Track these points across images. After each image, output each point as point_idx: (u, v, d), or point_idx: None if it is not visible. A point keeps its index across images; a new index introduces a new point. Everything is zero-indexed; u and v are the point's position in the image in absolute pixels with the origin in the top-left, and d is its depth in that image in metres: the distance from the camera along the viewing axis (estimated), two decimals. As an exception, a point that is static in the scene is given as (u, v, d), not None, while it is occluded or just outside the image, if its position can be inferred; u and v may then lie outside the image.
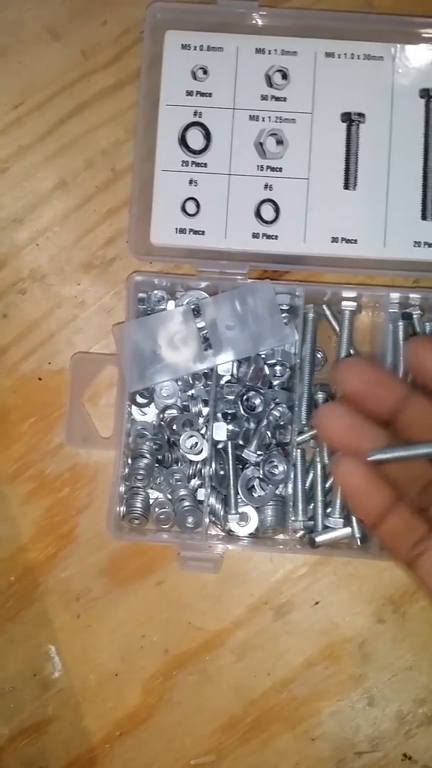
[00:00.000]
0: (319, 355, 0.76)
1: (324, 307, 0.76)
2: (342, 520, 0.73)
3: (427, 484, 0.54)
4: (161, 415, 0.75)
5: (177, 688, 0.76)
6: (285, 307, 0.74)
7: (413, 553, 0.52)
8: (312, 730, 0.75)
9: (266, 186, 0.74)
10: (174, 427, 0.74)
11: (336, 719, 0.75)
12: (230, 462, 0.73)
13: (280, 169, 0.74)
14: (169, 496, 0.75)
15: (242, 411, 0.73)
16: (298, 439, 0.74)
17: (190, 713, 0.76)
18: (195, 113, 0.74)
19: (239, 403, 0.73)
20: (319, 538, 0.72)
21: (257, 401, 0.73)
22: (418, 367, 0.53)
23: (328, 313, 0.76)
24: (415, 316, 0.74)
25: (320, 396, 0.75)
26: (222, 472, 0.74)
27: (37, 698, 0.76)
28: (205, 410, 0.75)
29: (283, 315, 0.74)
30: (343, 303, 0.75)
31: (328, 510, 0.74)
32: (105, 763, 0.76)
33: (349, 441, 0.52)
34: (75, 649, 0.77)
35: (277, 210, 0.73)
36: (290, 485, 0.72)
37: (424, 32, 0.74)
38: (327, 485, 0.74)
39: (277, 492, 0.73)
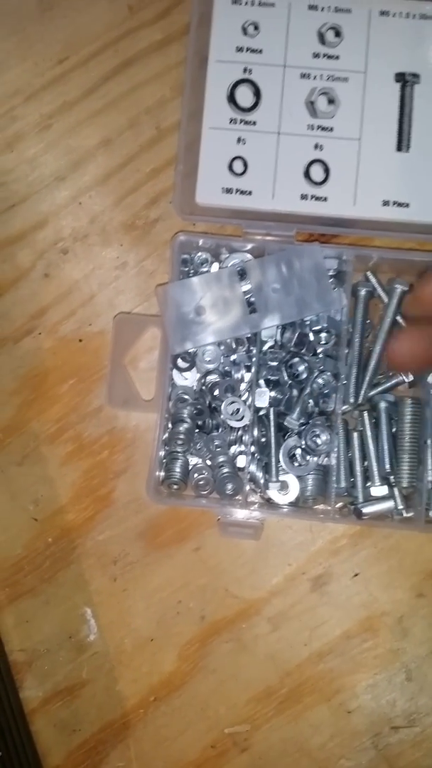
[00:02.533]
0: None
1: (370, 275, 0.73)
2: (386, 489, 0.70)
3: None
4: (202, 380, 0.73)
5: (212, 655, 0.74)
6: (332, 272, 0.71)
7: None
8: (348, 703, 0.73)
9: (316, 146, 0.70)
10: (215, 392, 0.72)
11: (373, 693, 0.72)
12: (272, 429, 0.70)
13: (331, 129, 0.70)
14: (209, 462, 0.73)
15: (286, 378, 0.70)
16: (342, 408, 0.71)
17: (225, 681, 0.74)
18: (245, 70, 0.71)
19: (283, 369, 0.70)
20: (365, 509, 0.69)
21: (301, 368, 0.70)
22: None
23: (373, 280, 0.73)
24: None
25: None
26: (263, 440, 0.71)
27: (72, 661, 0.75)
28: (247, 376, 0.72)
29: (330, 280, 0.70)
30: (396, 284, 0.72)
31: (368, 483, 0.71)
32: (138, 728, 0.74)
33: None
34: (111, 612, 0.75)
35: (326, 171, 0.70)
36: (333, 455, 0.69)
37: None
38: (370, 455, 0.71)
39: (320, 461, 0.70)
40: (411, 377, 0.71)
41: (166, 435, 0.72)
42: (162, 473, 0.72)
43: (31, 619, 0.75)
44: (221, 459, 0.72)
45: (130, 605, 0.74)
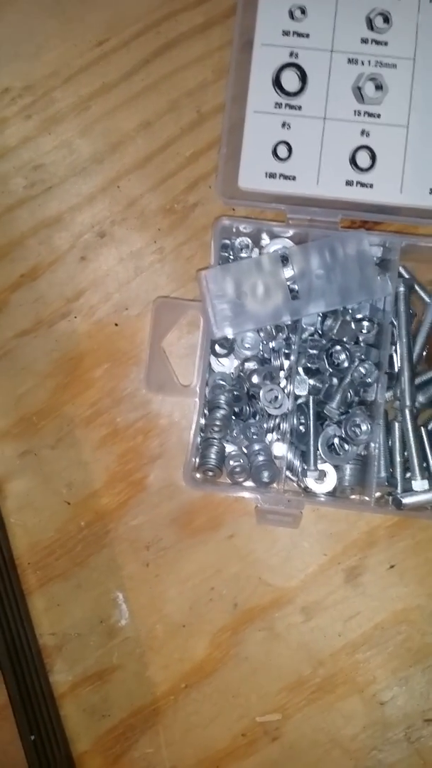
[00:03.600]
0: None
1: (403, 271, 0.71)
2: (427, 482, 0.68)
3: None
4: (241, 367, 0.71)
5: (244, 643, 0.72)
6: (377, 260, 0.69)
7: None
8: (381, 695, 0.71)
9: (363, 132, 0.68)
10: (254, 379, 0.70)
11: (407, 685, 0.71)
12: (311, 418, 0.69)
13: (379, 116, 0.68)
14: (245, 450, 0.71)
15: (326, 366, 0.68)
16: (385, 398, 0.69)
17: (257, 670, 0.72)
18: (291, 54, 0.69)
19: (324, 358, 0.68)
20: (406, 500, 0.67)
21: (342, 357, 0.68)
22: None
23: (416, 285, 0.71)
24: None
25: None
26: (301, 428, 0.70)
27: (103, 646, 0.73)
28: (287, 364, 0.70)
29: (375, 267, 0.68)
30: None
31: (407, 474, 0.69)
32: (168, 714, 0.72)
33: None
34: (143, 598, 0.73)
35: (373, 157, 0.68)
36: (373, 445, 0.68)
37: None
38: (410, 446, 0.69)
39: (360, 451, 0.68)
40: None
41: (203, 421, 0.70)
42: (198, 459, 0.70)
43: (63, 603, 0.73)
44: (257, 447, 0.70)
45: (162, 591, 0.73)
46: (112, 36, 0.76)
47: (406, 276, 0.71)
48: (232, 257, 0.71)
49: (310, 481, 0.69)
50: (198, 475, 0.70)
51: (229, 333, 0.68)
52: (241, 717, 0.72)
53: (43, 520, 0.73)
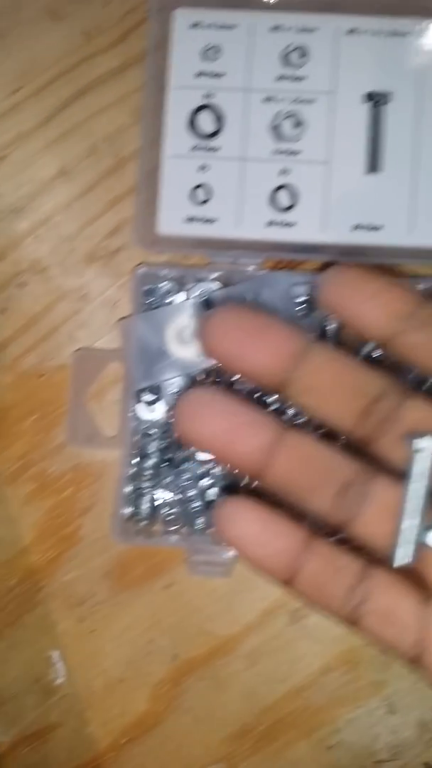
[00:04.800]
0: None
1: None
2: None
3: (342, 487, 0.43)
4: (170, 413, 0.65)
5: (186, 694, 0.66)
6: (302, 299, 0.64)
7: (351, 605, 0.42)
8: (328, 738, 0.65)
9: (282, 171, 0.63)
10: (184, 425, 0.64)
11: (354, 727, 0.65)
12: (243, 462, 0.63)
13: (298, 153, 0.63)
14: (178, 497, 0.65)
15: (257, 409, 0.63)
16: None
17: (199, 720, 0.66)
18: (206, 95, 0.63)
19: (251, 400, 0.63)
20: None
21: (270, 399, 0.63)
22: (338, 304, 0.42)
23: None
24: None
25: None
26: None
27: (40, 705, 0.66)
28: (217, 407, 0.64)
29: (300, 307, 0.63)
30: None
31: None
32: (111, 772, 0.65)
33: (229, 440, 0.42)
34: (79, 654, 0.66)
35: (294, 196, 0.62)
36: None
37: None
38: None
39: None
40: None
41: (133, 470, 0.64)
42: (129, 510, 0.64)
43: (-3, 665, 0.66)
44: (191, 493, 0.64)
45: (99, 646, 0.66)
46: (25, 84, 0.70)
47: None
48: (157, 303, 0.65)
49: (246, 526, 0.63)
50: (130, 527, 0.64)
51: (152, 382, 0.62)
52: (186, 770, 0.66)
53: (-28, 580, 0.67)
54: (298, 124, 0.62)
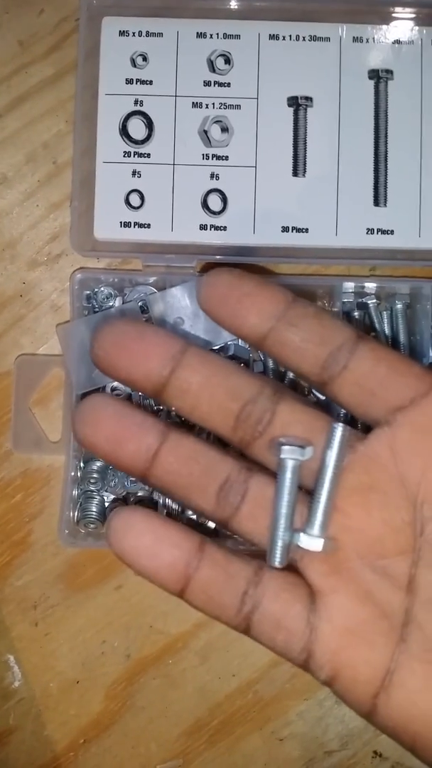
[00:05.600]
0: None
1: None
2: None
3: (222, 485, 0.45)
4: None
5: (140, 692, 0.68)
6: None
7: (243, 614, 0.44)
8: (280, 731, 0.67)
9: (212, 175, 0.64)
10: (127, 427, 0.66)
11: (304, 719, 0.67)
12: (185, 462, 0.65)
13: (226, 158, 0.64)
14: (126, 498, 0.67)
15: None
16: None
17: (154, 718, 0.68)
18: (136, 102, 0.65)
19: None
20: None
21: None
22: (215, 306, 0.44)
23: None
24: (371, 305, 0.66)
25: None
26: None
27: (-2, 709, 0.68)
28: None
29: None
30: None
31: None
32: (69, 772, 0.67)
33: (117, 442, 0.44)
34: (34, 657, 0.68)
35: (224, 200, 0.64)
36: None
37: (371, 11, 0.65)
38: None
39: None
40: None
41: (79, 474, 0.66)
42: (77, 513, 0.66)
43: None
44: (139, 494, 0.66)
45: (54, 649, 0.68)
46: (-38, 93, 0.72)
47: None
48: (97, 307, 0.67)
49: (190, 522, 0.65)
50: (80, 530, 0.66)
51: (93, 386, 0.64)
52: (143, 766, 0.67)
53: None
54: (225, 129, 0.64)
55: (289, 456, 0.43)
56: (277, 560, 0.44)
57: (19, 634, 0.68)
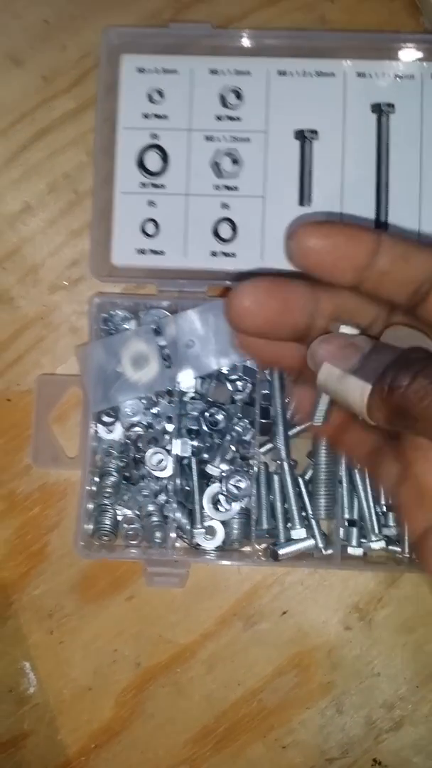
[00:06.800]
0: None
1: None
2: (304, 530, 0.68)
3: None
4: (127, 433, 0.71)
5: (150, 700, 0.72)
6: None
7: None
8: (283, 738, 0.71)
9: (223, 205, 0.69)
10: (140, 444, 0.70)
11: (306, 727, 0.71)
12: (194, 477, 0.69)
13: (236, 188, 0.69)
14: (138, 513, 0.71)
15: (204, 427, 0.69)
16: (261, 451, 0.70)
17: (162, 725, 0.71)
18: (152, 135, 0.70)
19: (201, 419, 0.69)
20: (281, 551, 0.68)
21: (219, 417, 0.69)
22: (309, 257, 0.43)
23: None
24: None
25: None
26: (188, 488, 0.70)
27: (13, 714, 0.72)
28: (170, 427, 0.70)
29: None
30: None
31: (288, 524, 0.69)
32: (81, 776, 0.71)
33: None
34: (49, 664, 0.72)
35: (234, 228, 0.69)
36: (253, 499, 0.68)
37: (374, 47, 0.70)
38: (289, 497, 0.69)
39: (242, 505, 0.69)
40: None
41: (95, 488, 0.70)
42: (92, 526, 0.70)
43: (-29, 676, 0.72)
44: (150, 508, 0.70)
45: (68, 656, 0.72)
46: (-11, 126, 0.77)
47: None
48: (113, 329, 0.72)
49: (200, 539, 0.69)
50: (94, 542, 0.70)
51: (109, 405, 0.69)
52: (152, 772, 0.71)
53: None
54: (236, 161, 0.69)
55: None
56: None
57: (35, 641, 0.72)
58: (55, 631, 0.72)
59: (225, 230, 0.69)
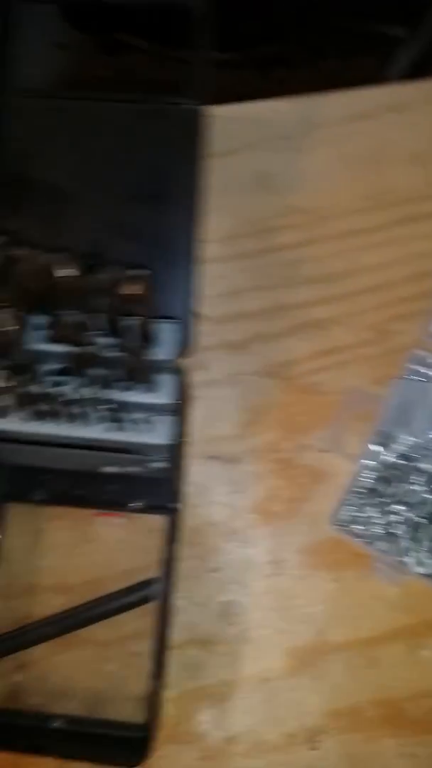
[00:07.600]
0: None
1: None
2: None
3: None
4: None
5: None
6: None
7: None
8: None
9: None
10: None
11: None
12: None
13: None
14: (382, 521, 0.84)
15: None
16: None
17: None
18: None
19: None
20: None
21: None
22: None
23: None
24: None
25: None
26: None
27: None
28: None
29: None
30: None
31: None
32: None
33: None
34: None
35: None
36: None
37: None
38: None
39: None
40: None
41: (357, 484, 0.85)
42: (347, 509, 0.84)
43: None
44: (396, 522, 0.84)
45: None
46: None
47: None
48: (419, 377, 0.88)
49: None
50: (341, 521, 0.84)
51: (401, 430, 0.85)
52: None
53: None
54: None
55: None
56: None
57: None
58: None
59: None
